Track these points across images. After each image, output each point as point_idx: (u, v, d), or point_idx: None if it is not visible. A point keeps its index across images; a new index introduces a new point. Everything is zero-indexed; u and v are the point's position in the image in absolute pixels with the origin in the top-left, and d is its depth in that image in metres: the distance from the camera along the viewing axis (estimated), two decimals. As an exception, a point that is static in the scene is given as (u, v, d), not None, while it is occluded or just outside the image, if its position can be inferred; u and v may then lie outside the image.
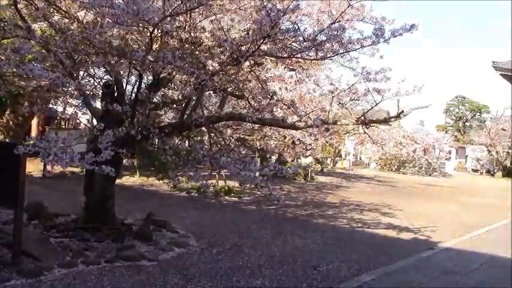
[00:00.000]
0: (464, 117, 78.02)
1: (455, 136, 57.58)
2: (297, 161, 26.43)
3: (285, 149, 22.15)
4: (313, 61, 8.68)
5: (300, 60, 8.47)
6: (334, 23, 7.17)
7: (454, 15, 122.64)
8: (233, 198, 15.58)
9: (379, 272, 7.92)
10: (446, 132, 51.72)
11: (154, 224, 9.57)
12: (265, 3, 6.54)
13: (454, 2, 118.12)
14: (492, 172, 47.47)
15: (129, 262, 7.24)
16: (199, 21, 7.91)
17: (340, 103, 14.78)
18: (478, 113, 76.40)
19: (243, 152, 11.68)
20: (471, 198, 23.38)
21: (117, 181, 9.90)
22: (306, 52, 7.60)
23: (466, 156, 56.03)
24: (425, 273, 8.08)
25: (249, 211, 13.65)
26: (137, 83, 8.44)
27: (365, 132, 10.13)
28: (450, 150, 49.26)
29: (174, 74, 8.20)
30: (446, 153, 46.86)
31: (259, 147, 20.77)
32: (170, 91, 9.85)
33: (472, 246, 10.72)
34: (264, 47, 7.33)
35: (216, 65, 7.55)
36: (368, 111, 9.60)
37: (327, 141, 28.51)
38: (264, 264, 7.81)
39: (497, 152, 47.13)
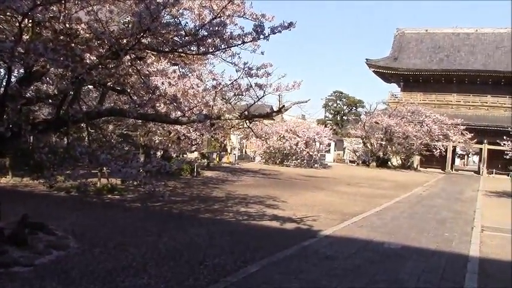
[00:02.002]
0: (342, 112, 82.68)
1: (334, 129, 60.75)
2: (183, 157, 26.27)
3: (170, 145, 21.91)
4: (195, 56, 8.65)
5: (182, 54, 8.39)
6: (215, 18, 7.21)
7: (332, 14, 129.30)
8: (116, 196, 15.09)
9: (264, 262, 8.13)
10: (325, 126, 54.32)
11: (30, 227, 8.94)
12: (144, -4, 6.38)
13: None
14: (367, 163, 50.88)
15: (1, 269, 6.72)
16: (75, 11, 7.51)
17: (224, 98, 14.91)
18: (354, 108, 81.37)
19: (126, 149, 11.33)
20: (348, 187, 24.89)
21: (-14, 183, 9.14)
22: (188, 47, 7.56)
23: (344, 148, 59.56)
24: (307, 260, 8.44)
25: (134, 209, 13.32)
26: (6, 76, 7.82)
27: (249, 127, 10.32)
28: (329, 143, 51.91)
29: (48, 67, 7.72)
30: (326, 145, 49.36)
31: (143, 143, 20.34)
32: (45, 85, 9.25)
33: (350, 233, 11.40)
34: (144, 41, 7.16)
35: (94, 58, 7.24)
36: (251, 106, 9.81)
37: (212, 136, 28.73)
38: (149, 262, 7.67)
39: (371, 143, 50.61)
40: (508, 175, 44.66)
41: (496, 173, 49.62)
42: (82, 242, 8.77)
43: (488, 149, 51.72)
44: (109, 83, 8.65)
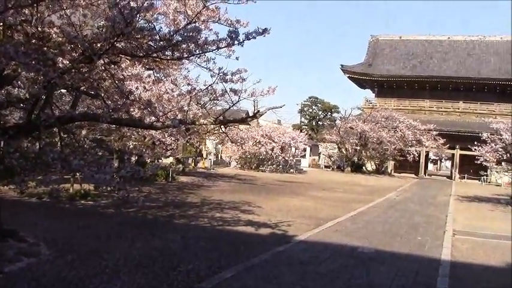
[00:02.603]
0: (317, 117, 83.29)
1: (310, 134, 61.13)
2: (157, 162, 26.06)
3: (145, 150, 21.72)
4: (170, 61, 8.62)
5: (157, 59, 8.35)
6: (189, 23, 7.20)
7: (307, 18, 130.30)
8: (90, 202, 14.88)
9: (238, 268, 8.11)
10: (301, 131, 54.64)
11: (0, 234, 8.78)
12: (117, 0, 6.32)
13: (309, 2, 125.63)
14: (342, 168, 51.28)
15: (-31, 277, 6.58)
16: (48, 15, 7.41)
17: (199, 103, 14.86)
18: (329, 113, 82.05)
19: (100, 154, 11.20)
20: (323, 192, 25.04)
21: (-46, 189, 8.93)
22: (163, 52, 7.53)
23: (319, 153, 59.91)
24: (282, 265, 8.46)
25: (108, 215, 13.17)
26: (-24, 80, 7.68)
27: (224, 132, 10.32)
28: (305, 148, 52.23)
29: (19, 70, 7.59)
30: (301, 151, 49.61)
31: (117, 148, 20.11)
32: (16, 89, 9.10)
33: (324, 238, 11.46)
34: (118, 45, 7.11)
35: (67, 62, 7.15)
36: (226, 111, 9.83)
37: (187, 141, 28.58)
38: (122, 269, 7.58)
39: (346, 149, 51.02)
40: (479, 180, 45.56)
41: (467, 178, 50.54)
42: (54, 248, 8.61)
43: (460, 154, 52.72)
44: (82, 88, 8.55)
